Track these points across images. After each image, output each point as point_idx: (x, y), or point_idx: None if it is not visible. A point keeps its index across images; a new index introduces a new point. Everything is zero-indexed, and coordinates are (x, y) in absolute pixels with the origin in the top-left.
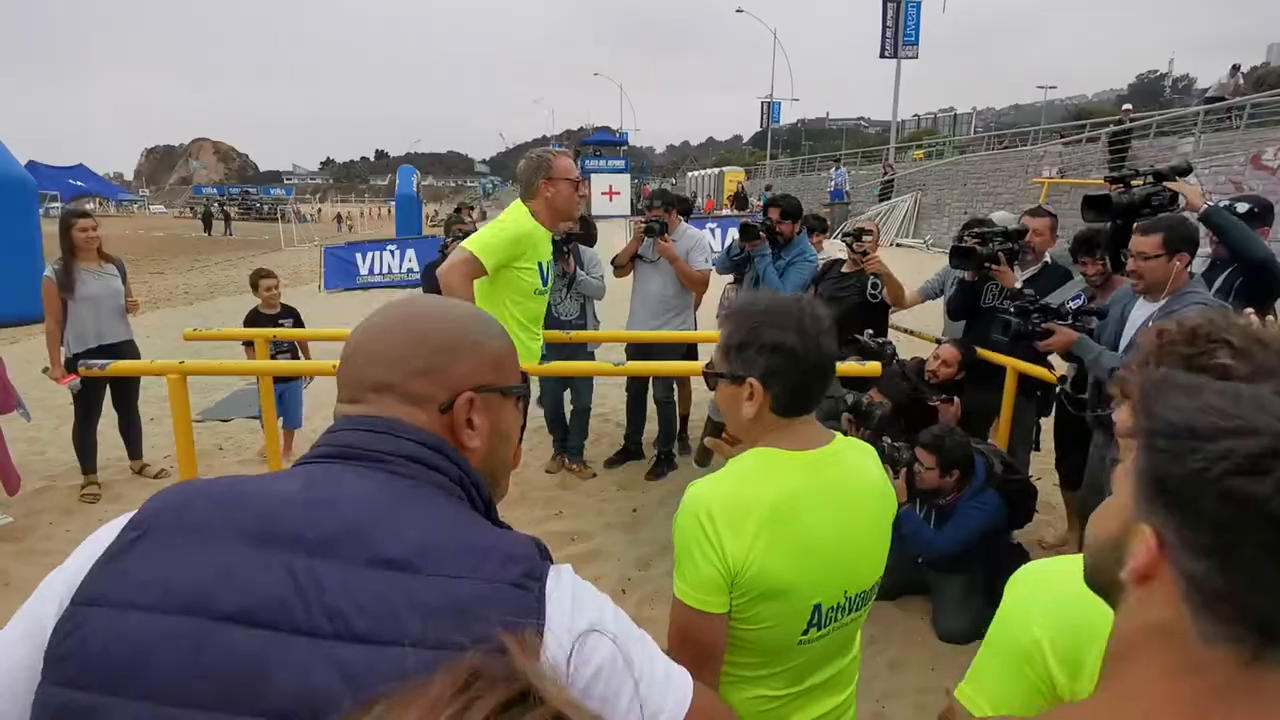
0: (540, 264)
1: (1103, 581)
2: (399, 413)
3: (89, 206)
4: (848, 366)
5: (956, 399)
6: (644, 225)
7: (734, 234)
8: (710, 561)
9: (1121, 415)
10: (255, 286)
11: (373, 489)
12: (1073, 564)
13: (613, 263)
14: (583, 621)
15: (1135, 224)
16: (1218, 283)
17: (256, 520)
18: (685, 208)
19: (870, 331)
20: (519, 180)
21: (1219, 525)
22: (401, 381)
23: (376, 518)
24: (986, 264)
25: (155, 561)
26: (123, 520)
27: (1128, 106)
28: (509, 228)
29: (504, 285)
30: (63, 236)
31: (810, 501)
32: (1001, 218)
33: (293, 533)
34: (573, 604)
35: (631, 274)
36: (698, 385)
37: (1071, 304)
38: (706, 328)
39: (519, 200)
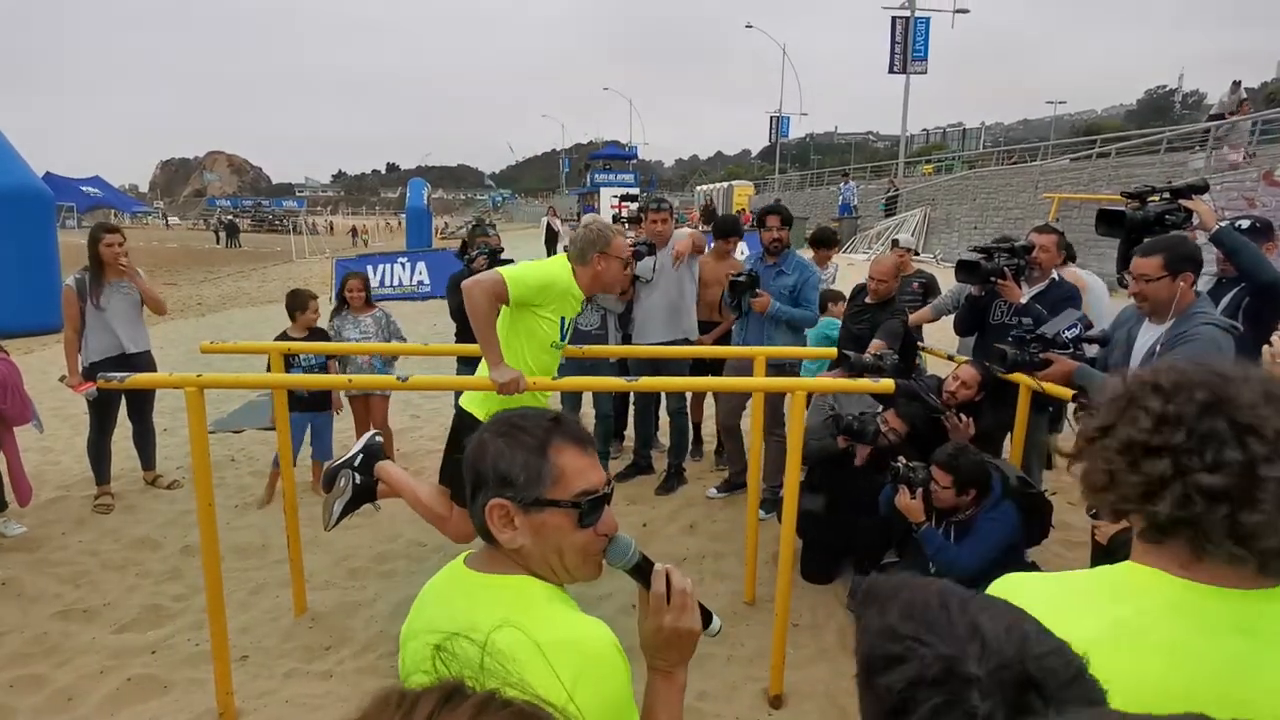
0: (563, 319)
1: None
2: None
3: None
4: (861, 384)
5: (969, 417)
6: (633, 250)
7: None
8: None
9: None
10: (304, 308)
11: None
12: (1048, 581)
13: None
14: None
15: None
16: (1224, 301)
17: None
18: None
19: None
20: (575, 244)
21: None
22: None
23: None
24: (991, 278)
25: None
26: None
27: None
28: (545, 272)
29: (523, 328)
30: (91, 249)
31: None
32: None
33: None
34: None
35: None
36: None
37: (1067, 333)
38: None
39: (565, 255)
